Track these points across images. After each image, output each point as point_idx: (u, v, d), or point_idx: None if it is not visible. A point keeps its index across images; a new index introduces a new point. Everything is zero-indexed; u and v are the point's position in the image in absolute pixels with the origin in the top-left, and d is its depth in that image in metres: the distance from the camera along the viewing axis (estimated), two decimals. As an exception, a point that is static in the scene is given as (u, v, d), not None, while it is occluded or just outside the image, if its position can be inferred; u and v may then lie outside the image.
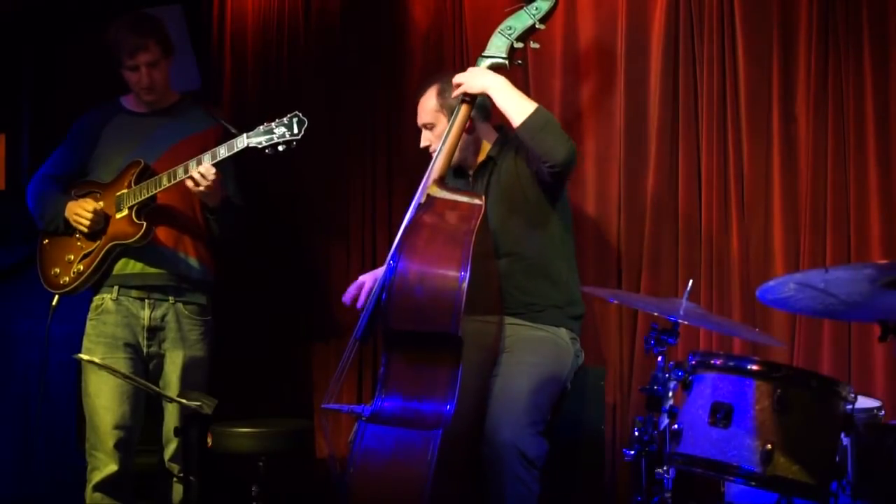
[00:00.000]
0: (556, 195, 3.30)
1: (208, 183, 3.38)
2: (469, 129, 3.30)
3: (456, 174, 3.44)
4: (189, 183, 3.40)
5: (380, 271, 3.39)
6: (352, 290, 3.39)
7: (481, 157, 3.38)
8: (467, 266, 2.87)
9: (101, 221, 3.53)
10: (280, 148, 3.34)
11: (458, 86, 3.24)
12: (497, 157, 3.34)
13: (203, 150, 3.43)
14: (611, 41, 3.85)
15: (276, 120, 3.35)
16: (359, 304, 3.32)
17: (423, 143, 3.40)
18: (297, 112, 3.34)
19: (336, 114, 4.33)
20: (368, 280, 3.37)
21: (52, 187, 3.66)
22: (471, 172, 3.42)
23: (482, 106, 3.34)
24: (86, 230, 3.53)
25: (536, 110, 3.15)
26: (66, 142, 3.76)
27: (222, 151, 3.40)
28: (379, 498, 2.81)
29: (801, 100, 3.56)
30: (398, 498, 2.80)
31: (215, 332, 3.70)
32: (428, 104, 3.39)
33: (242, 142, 3.36)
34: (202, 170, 3.37)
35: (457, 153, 3.30)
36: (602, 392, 3.57)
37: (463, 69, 3.39)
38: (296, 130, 3.32)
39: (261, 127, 3.36)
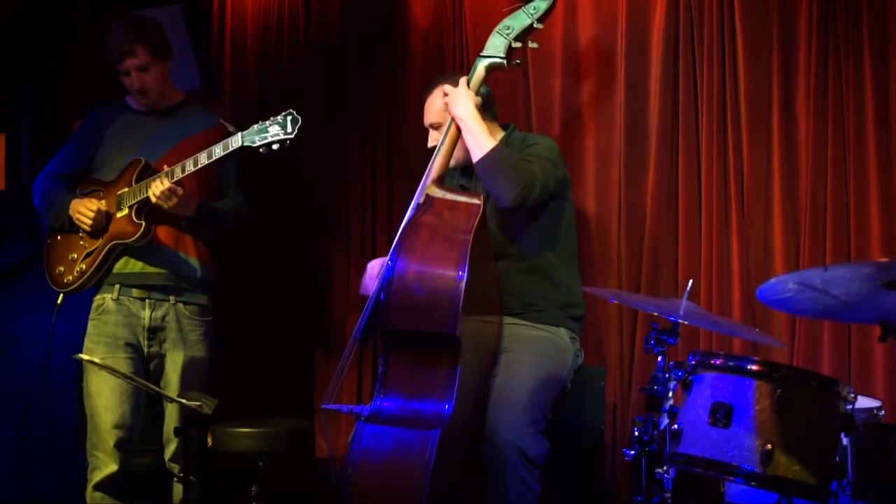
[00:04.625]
0: (554, 196, 3.29)
1: (167, 203, 3.39)
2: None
3: (462, 172, 3.45)
4: (154, 200, 3.41)
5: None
6: (366, 280, 3.37)
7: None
8: (465, 266, 2.88)
9: (102, 221, 3.53)
10: (274, 147, 3.33)
11: (447, 104, 3.27)
12: None
13: (204, 150, 3.42)
14: (611, 41, 3.85)
15: (271, 118, 3.34)
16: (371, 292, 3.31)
17: (430, 143, 3.41)
18: (291, 110, 3.33)
19: (336, 113, 4.34)
20: (377, 267, 3.36)
21: (58, 185, 3.66)
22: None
23: (489, 106, 3.35)
24: (88, 229, 3.54)
25: (491, 151, 3.17)
26: (71, 140, 3.77)
27: (218, 150, 3.40)
28: (378, 498, 2.81)
29: (801, 100, 3.56)
30: (397, 498, 2.80)
31: (216, 331, 3.70)
32: (435, 104, 3.40)
33: (237, 141, 3.36)
34: (159, 189, 3.37)
35: (461, 152, 3.31)
36: (602, 392, 3.57)
37: (463, 69, 3.41)
38: (290, 129, 3.32)
39: (255, 126, 3.35)
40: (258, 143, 3.34)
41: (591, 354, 3.66)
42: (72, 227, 3.60)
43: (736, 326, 3.28)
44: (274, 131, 3.32)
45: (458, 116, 3.22)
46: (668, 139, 3.72)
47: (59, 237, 3.65)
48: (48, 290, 3.63)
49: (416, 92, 4.12)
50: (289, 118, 3.32)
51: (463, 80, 3.28)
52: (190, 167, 3.42)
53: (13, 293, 4.44)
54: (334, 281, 4.28)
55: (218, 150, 3.39)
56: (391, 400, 2.91)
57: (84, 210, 3.52)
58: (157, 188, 3.39)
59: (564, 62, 3.92)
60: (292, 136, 3.32)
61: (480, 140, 3.20)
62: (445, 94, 3.29)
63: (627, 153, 3.79)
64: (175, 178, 3.41)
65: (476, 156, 3.19)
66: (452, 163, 3.31)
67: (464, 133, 3.22)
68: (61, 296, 3.60)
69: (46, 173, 3.71)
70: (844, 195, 3.47)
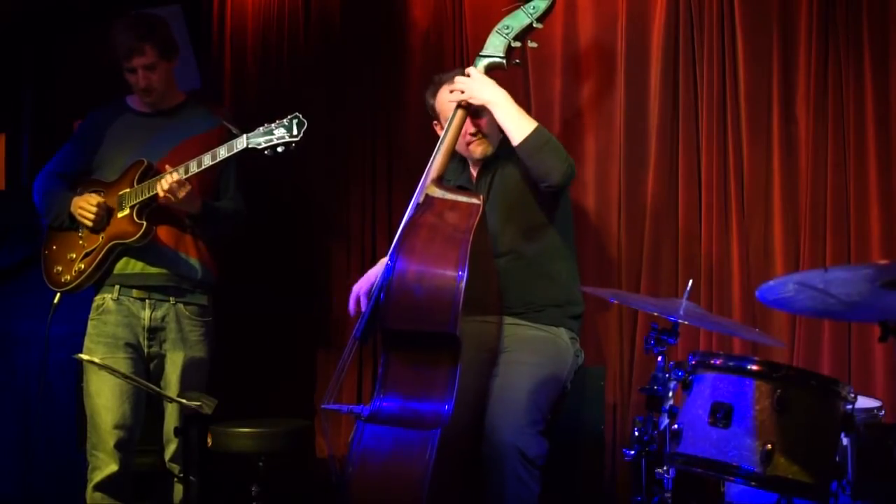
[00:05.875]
0: (557, 196, 3.30)
1: (176, 196, 3.39)
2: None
3: (463, 170, 3.45)
4: (161, 193, 3.41)
5: (371, 273, 3.39)
6: (351, 303, 3.38)
7: (489, 151, 3.37)
8: (465, 265, 2.88)
9: (104, 216, 3.54)
10: (279, 149, 3.34)
11: (461, 91, 3.24)
12: (503, 156, 3.34)
13: (206, 151, 3.43)
14: (611, 41, 3.85)
15: (276, 121, 3.35)
16: (362, 308, 3.32)
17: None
18: (297, 114, 3.34)
19: (336, 113, 4.33)
20: (364, 284, 3.37)
21: (58, 184, 3.67)
22: (473, 171, 3.44)
23: None
24: (90, 224, 3.54)
25: (536, 129, 3.16)
26: (72, 140, 3.77)
27: (222, 152, 3.40)
28: (378, 498, 2.82)
29: (801, 100, 3.56)
30: (397, 497, 2.80)
31: (216, 332, 3.70)
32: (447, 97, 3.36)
33: (242, 143, 3.37)
34: (168, 182, 3.37)
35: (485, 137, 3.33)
36: (602, 392, 3.57)
37: (463, 68, 3.39)
38: (295, 132, 3.32)
39: (261, 128, 3.36)
40: (263, 146, 3.35)
41: (591, 354, 3.66)
42: (71, 225, 3.60)
43: (736, 326, 3.28)
44: (279, 134, 3.33)
45: (489, 100, 3.19)
46: (668, 139, 3.72)
47: (57, 236, 3.65)
48: (48, 290, 3.63)
49: (417, 92, 4.12)
50: (294, 121, 3.33)
51: (472, 69, 3.27)
52: (194, 168, 3.42)
53: (13, 293, 4.44)
54: (334, 281, 4.28)
55: (222, 152, 3.40)
56: (391, 400, 2.91)
57: (86, 205, 3.52)
58: (165, 182, 3.39)
59: (564, 62, 3.92)
60: (297, 139, 3.33)
61: (521, 119, 3.18)
62: (460, 89, 3.27)
63: (627, 153, 3.79)
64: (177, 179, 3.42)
65: (519, 136, 3.15)
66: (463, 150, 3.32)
67: (500, 115, 3.19)
68: (58, 295, 3.61)
69: (46, 172, 3.71)
70: (844, 195, 3.47)
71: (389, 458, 2.81)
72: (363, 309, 3.30)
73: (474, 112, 3.30)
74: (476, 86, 3.22)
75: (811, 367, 3.37)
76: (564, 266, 3.36)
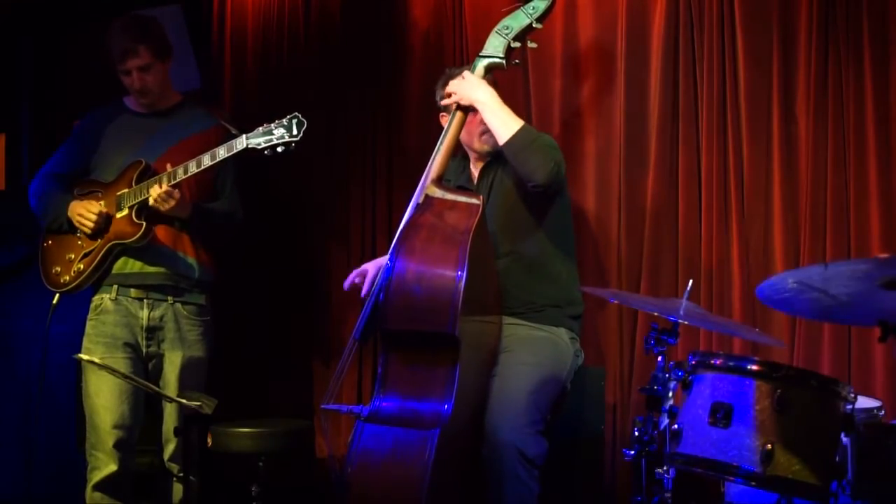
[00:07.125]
0: (556, 196, 3.30)
1: (165, 204, 3.39)
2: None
3: (464, 169, 3.46)
4: (151, 202, 3.41)
5: (383, 260, 3.39)
6: (352, 276, 3.40)
7: (490, 148, 3.38)
8: (464, 265, 2.88)
9: (103, 223, 3.54)
10: (279, 149, 3.35)
11: (451, 94, 3.27)
12: (504, 157, 3.34)
13: (204, 151, 3.43)
14: (611, 41, 3.85)
15: (276, 121, 3.35)
16: (363, 293, 3.32)
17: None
18: (296, 113, 3.34)
19: (336, 114, 4.34)
20: (371, 268, 3.38)
21: (56, 186, 3.66)
22: (474, 171, 3.43)
23: None
24: (89, 231, 3.54)
25: (521, 129, 3.17)
26: (69, 141, 3.77)
27: (221, 152, 3.40)
28: (377, 497, 2.82)
29: (801, 100, 3.56)
30: (396, 497, 2.80)
31: (215, 332, 3.70)
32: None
33: (241, 143, 3.37)
34: (156, 192, 3.38)
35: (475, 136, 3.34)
36: (602, 392, 3.57)
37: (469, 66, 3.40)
38: (295, 132, 3.33)
39: (260, 128, 3.36)
40: (263, 146, 3.35)
41: (591, 354, 3.66)
42: (70, 229, 3.60)
43: (736, 326, 3.28)
44: (279, 134, 3.33)
45: (478, 100, 3.22)
46: (668, 139, 3.72)
47: (55, 237, 3.65)
48: (48, 290, 3.63)
49: (417, 92, 4.13)
50: (294, 121, 3.33)
51: (466, 72, 3.30)
52: (193, 168, 3.42)
53: (13, 293, 4.44)
54: (334, 281, 4.27)
55: (222, 152, 3.40)
56: (390, 400, 2.92)
57: (85, 213, 3.52)
58: (155, 191, 3.39)
59: (564, 62, 3.92)
60: (297, 139, 3.33)
61: (507, 119, 3.20)
62: (449, 95, 3.29)
63: (627, 153, 3.79)
64: (177, 179, 3.42)
65: (505, 135, 3.17)
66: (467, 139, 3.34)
67: (487, 115, 3.22)
68: (57, 296, 3.60)
69: (43, 174, 3.71)
70: (844, 195, 3.47)
71: (389, 458, 2.81)
72: (363, 293, 3.30)
73: (472, 111, 3.31)
74: (465, 86, 3.25)
75: (811, 367, 3.37)
76: (564, 266, 3.37)
